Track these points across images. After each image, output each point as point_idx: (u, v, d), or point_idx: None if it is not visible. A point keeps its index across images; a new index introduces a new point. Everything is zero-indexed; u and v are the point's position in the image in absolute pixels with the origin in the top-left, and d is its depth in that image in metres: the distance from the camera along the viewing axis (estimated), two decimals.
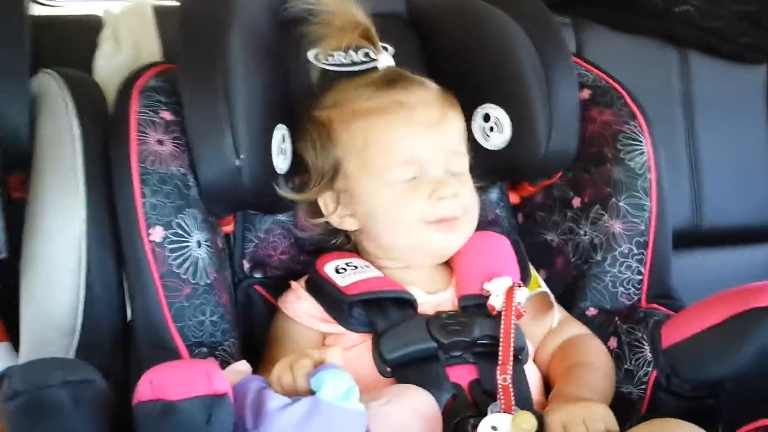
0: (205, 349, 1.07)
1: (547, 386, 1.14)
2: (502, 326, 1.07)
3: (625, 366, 1.16)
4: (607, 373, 1.14)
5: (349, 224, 1.17)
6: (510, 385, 1.02)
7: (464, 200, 1.13)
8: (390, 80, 1.16)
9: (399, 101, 1.13)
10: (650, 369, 1.13)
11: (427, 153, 1.12)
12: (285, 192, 1.15)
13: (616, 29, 1.65)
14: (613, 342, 1.19)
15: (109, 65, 1.40)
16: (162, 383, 0.82)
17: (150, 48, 1.43)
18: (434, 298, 1.13)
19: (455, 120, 1.16)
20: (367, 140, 1.12)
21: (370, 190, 1.13)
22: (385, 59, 1.21)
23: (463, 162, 1.16)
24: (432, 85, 1.18)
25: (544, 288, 1.18)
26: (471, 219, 1.16)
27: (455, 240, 1.15)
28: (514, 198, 1.34)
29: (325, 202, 1.17)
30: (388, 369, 1.06)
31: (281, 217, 1.23)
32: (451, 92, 1.19)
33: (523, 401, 1.04)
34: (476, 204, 1.18)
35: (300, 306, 1.14)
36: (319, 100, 1.18)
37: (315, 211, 1.19)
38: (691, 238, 1.64)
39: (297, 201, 1.17)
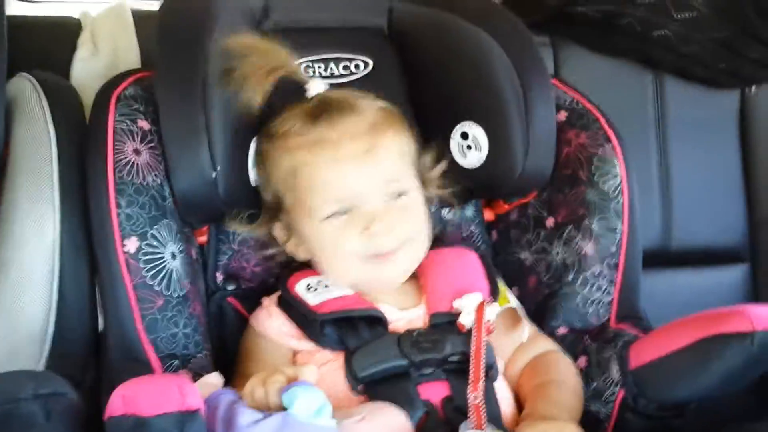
0: (177, 361, 1.07)
1: (518, 400, 1.14)
2: (473, 344, 1.07)
3: (594, 385, 1.16)
4: (576, 390, 1.14)
5: (302, 253, 1.16)
6: (481, 404, 1.02)
7: (403, 230, 1.12)
8: (316, 114, 1.12)
9: (323, 138, 1.10)
10: (617, 388, 1.14)
11: (359, 187, 1.10)
12: (239, 226, 1.15)
13: (595, 50, 1.66)
14: (582, 361, 1.20)
15: (87, 69, 1.39)
16: (134, 398, 0.81)
17: (128, 52, 1.42)
18: (406, 314, 1.13)
19: (390, 144, 1.12)
20: (296, 180, 1.11)
21: (308, 228, 1.12)
22: (314, 87, 1.17)
23: (403, 183, 1.13)
24: (365, 108, 1.14)
25: (514, 302, 1.18)
26: (415, 246, 1.15)
27: (395, 271, 1.14)
28: (488, 215, 1.35)
29: (277, 232, 1.17)
30: (360, 386, 1.06)
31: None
32: (391, 107, 1.17)
33: (494, 419, 1.04)
34: (423, 226, 1.16)
35: (272, 323, 1.14)
36: (266, 129, 1.16)
37: (273, 238, 1.18)
38: (660, 258, 1.66)
39: (251, 233, 1.17)
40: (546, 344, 1.19)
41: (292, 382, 0.92)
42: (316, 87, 1.17)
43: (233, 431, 0.87)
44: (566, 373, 1.16)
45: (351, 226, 1.10)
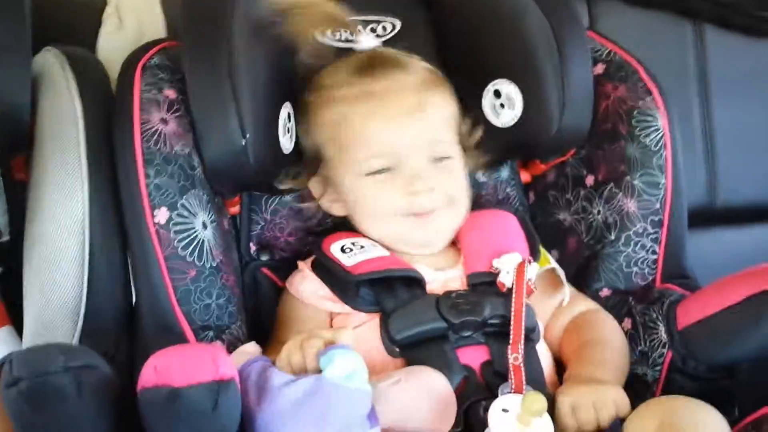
0: (211, 333, 1.06)
1: (558, 364, 1.13)
2: (513, 304, 1.05)
3: (640, 347, 1.14)
4: (620, 348, 1.12)
5: (337, 209, 1.16)
6: (521, 365, 1.01)
7: (444, 191, 1.11)
8: (364, 67, 1.13)
9: (370, 91, 1.10)
10: (665, 350, 1.12)
11: (404, 143, 1.10)
12: (282, 184, 1.15)
13: (631, 3, 1.62)
14: (627, 323, 1.17)
15: (113, 43, 1.38)
16: (167, 369, 0.80)
17: (154, 25, 1.41)
18: (443, 275, 1.12)
19: (438, 104, 1.14)
20: (340, 130, 1.11)
21: (348, 181, 1.12)
22: (364, 41, 1.17)
23: (447, 148, 1.14)
24: (414, 67, 1.15)
25: (554, 264, 1.16)
26: (456, 210, 1.14)
27: (434, 233, 1.13)
28: (525, 176, 1.32)
29: (314, 185, 1.17)
30: (397, 349, 1.05)
31: (287, 198, 1.22)
32: (437, 71, 1.17)
33: (535, 381, 1.02)
34: (464, 192, 1.16)
35: (307, 286, 1.13)
36: (312, 80, 1.16)
37: (310, 194, 1.18)
38: (705, 217, 1.62)
39: (293, 188, 1.17)
40: (587, 303, 1.18)
41: (329, 345, 0.91)
42: (366, 42, 1.17)
43: (265, 394, 0.86)
44: (609, 331, 1.14)
45: (393, 184, 1.10)
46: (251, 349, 0.99)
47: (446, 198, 1.12)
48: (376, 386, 0.91)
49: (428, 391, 0.95)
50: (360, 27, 1.20)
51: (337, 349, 0.89)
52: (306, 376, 0.88)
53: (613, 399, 0.98)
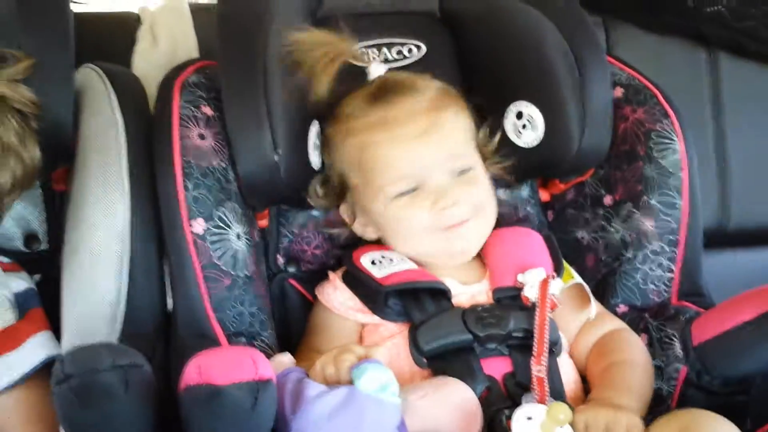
0: (244, 339, 1.09)
1: (584, 379, 1.14)
2: (536, 317, 1.08)
3: (655, 362, 1.16)
4: (646, 369, 1.14)
5: (370, 233, 1.19)
6: (544, 377, 1.03)
7: (470, 202, 1.13)
8: (376, 95, 1.15)
9: (384, 118, 1.13)
10: (680, 365, 1.14)
11: (424, 164, 1.12)
12: (314, 201, 1.18)
13: (647, 29, 1.64)
14: (643, 339, 1.19)
15: (147, 61, 1.41)
16: (209, 368, 0.83)
17: (187, 44, 1.44)
18: (469, 289, 1.15)
19: (451, 120, 1.15)
20: (361, 160, 1.13)
21: (376, 207, 1.14)
22: (374, 70, 1.20)
23: (467, 159, 1.16)
24: (424, 89, 1.16)
25: (579, 280, 1.18)
26: (485, 217, 1.17)
27: (468, 242, 1.16)
28: (544, 195, 1.35)
29: (344, 212, 1.20)
30: (425, 360, 1.07)
31: (315, 212, 1.25)
32: (449, 87, 1.20)
33: (556, 394, 1.05)
34: (490, 199, 1.18)
35: (337, 296, 1.16)
36: (332, 111, 1.19)
37: (341, 219, 1.21)
38: (718, 239, 1.63)
39: (322, 208, 1.20)
40: (613, 323, 1.19)
41: (362, 360, 0.94)
42: (376, 70, 1.20)
43: (301, 404, 0.89)
44: (635, 351, 1.15)
45: (419, 203, 1.12)
46: (286, 359, 1.02)
47: (473, 208, 1.14)
48: (405, 398, 0.93)
49: (455, 402, 0.98)
50: (378, 53, 1.23)
51: (369, 362, 0.92)
52: (338, 386, 0.91)
53: (626, 424, 0.99)
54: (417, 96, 1.15)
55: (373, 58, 1.25)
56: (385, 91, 1.16)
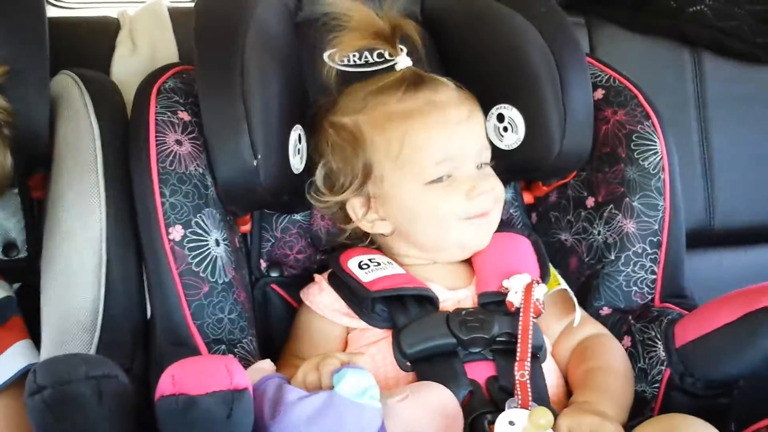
0: (223, 347, 1.08)
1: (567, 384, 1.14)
2: (520, 323, 1.07)
3: (639, 365, 1.16)
4: (625, 375, 1.14)
5: (381, 227, 1.17)
6: (527, 381, 1.03)
7: (494, 194, 1.15)
8: (416, 81, 1.16)
9: (432, 101, 1.14)
10: (663, 368, 1.14)
11: (461, 150, 1.13)
12: (315, 201, 1.17)
13: (630, 29, 1.64)
14: (626, 341, 1.19)
15: (126, 66, 1.41)
16: (184, 378, 0.83)
17: (166, 49, 1.44)
18: (455, 294, 1.14)
19: (479, 115, 1.18)
20: (403, 142, 1.12)
21: (409, 192, 1.13)
22: (403, 60, 1.21)
23: (489, 154, 1.18)
24: (450, 83, 1.19)
25: (564, 285, 1.18)
26: (499, 209, 1.18)
27: (487, 233, 1.17)
28: (527, 198, 1.35)
29: (354, 207, 1.17)
30: (408, 363, 1.07)
31: (297, 216, 1.25)
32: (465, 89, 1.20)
33: (540, 399, 1.04)
34: (503, 193, 1.20)
35: (322, 299, 1.15)
36: (337, 103, 1.18)
37: (342, 216, 1.19)
38: (703, 239, 1.64)
39: (324, 208, 1.19)
40: (594, 327, 1.19)
41: (344, 365, 0.93)
42: (404, 61, 1.20)
43: (279, 408, 0.88)
44: (615, 357, 1.15)
45: (455, 189, 1.13)
46: (266, 366, 1.01)
47: (497, 199, 1.16)
48: (385, 402, 0.93)
49: (435, 405, 0.97)
50: (345, 59, 1.23)
51: (350, 367, 0.91)
52: (318, 392, 0.91)
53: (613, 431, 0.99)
54: (450, 89, 1.17)
55: (350, 62, 1.25)
56: (421, 80, 1.16)
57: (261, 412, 0.90)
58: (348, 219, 1.18)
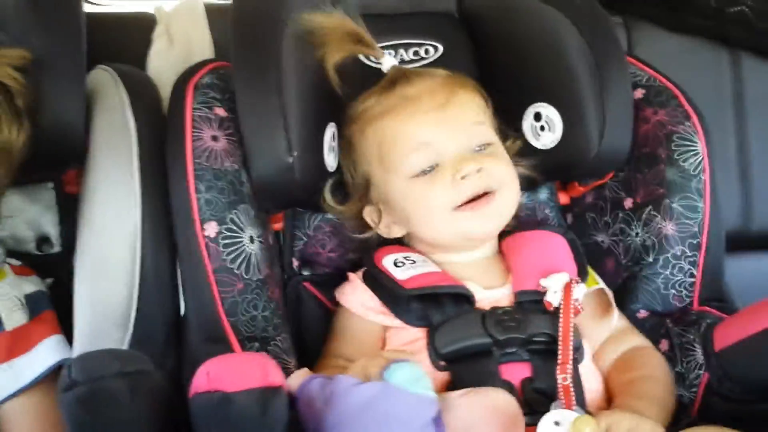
0: (257, 344, 1.07)
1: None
2: (560, 324, 1.06)
3: (676, 369, 1.15)
4: (668, 385, 1.12)
5: (396, 231, 1.17)
6: (570, 384, 1.02)
7: (494, 173, 1.11)
8: (393, 80, 1.15)
9: (404, 96, 1.13)
10: (702, 372, 1.12)
11: (441, 134, 1.11)
12: (331, 208, 1.17)
13: (668, 29, 1.63)
14: (664, 344, 1.18)
15: (162, 62, 1.41)
16: (219, 375, 0.82)
17: (202, 45, 1.44)
18: (491, 293, 1.13)
19: (466, 96, 1.15)
20: (380, 141, 1.13)
21: (396, 190, 1.13)
22: (388, 62, 1.19)
23: (486, 133, 1.14)
24: (439, 73, 1.17)
25: (602, 285, 1.16)
26: (509, 192, 1.14)
27: (492, 220, 1.13)
28: (563, 198, 1.33)
29: (370, 215, 1.18)
30: (442, 363, 1.06)
31: (330, 215, 1.24)
32: (463, 74, 1.19)
33: (578, 401, 1.03)
34: (512, 175, 1.15)
35: (357, 297, 1.15)
36: (347, 112, 1.18)
37: (362, 224, 1.20)
38: (741, 242, 1.61)
39: (342, 218, 1.20)
40: (638, 339, 1.17)
41: (391, 361, 0.92)
42: (389, 62, 1.19)
43: (332, 397, 0.86)
44: (658, 368, 1.14)
45: (440, 177, 1.10)
46: (303, 374, 0.98)
47: (496, 180, 1.11)
48: (445, 396, 0.93)
49: (497, 404, 0.96)
50: (394, 54, 1.23)
51: (399, 361, 0.90)
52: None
53: (650, 431, 0.98)
54: (432, 77, 1.15)
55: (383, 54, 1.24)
56: (400, 76, 1.16)
57: (311, 409, 0.89)
58: (368, 226, 1.19)
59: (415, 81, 1.14)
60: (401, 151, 1.11)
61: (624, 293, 1.23)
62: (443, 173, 1.10)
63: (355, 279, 1.16)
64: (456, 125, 1.12)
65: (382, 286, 1.12)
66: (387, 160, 1.13)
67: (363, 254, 1.20)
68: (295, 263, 1.24)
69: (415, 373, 0.88)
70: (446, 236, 1.13)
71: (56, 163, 1.13)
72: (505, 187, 1.13)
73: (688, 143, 1.22)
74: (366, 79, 1.20)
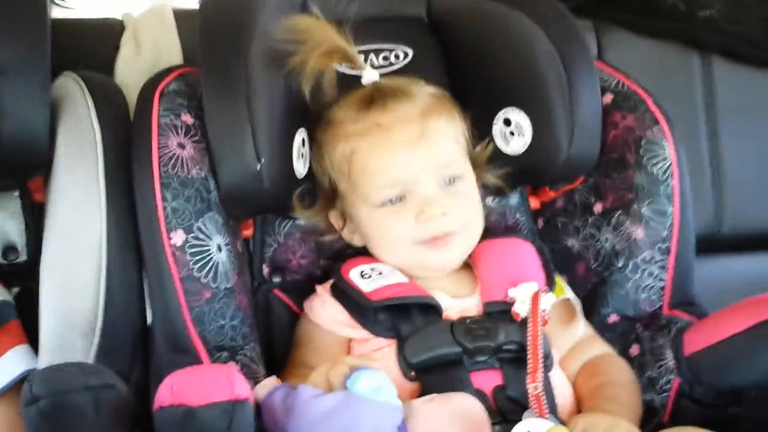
0: (225, 354, 1.07)
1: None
2: (529, 333, 1.06)
3: (648, 373, 1.15)
4: (634, 390, 1.13)
5: (357, 240, 1.18)
6: (541, 393, 1.02)
7: (458, 216, 1.12)
8: (369, 100, 1.13)
9: (377, 123, 1.11)
10: (673, 376, 1.12)
11: (412, 172, 1.10)
12: (299, 213, 1.16)
13: (638, 33, 1.63)
14: (635, 349, 1.18)
15: (130, 68, 1.40)
16: (183, 388, 0.82)
17: (171, 51, 1.43)
18: (459, 303, 1.13)
19: (443, 128, 1.14)
20: (351, 165, 1.12)
21: (361, 213, 1.13)
22: (368, 75, 1.18)
23: (457, 168, 1.14)
24: (418, 95, 1.15)
25: (570, 294, 1.17)
26: (471, 232, 1.15)
27: (452, 256, 1.14)
28: (534, 203, 1.33)
29: (335, 219, 1.18)
30: (413, 373, 1.06)
31: (300, 221, 1.23)
32: (444, 93, 1.18)
33: (550, 409, 1.03)
34: (478, 214, 1.16)
35: (326, 311, 1.14)
36: (322, 115, 1.17)
37: (330, 227, 1.20)
38: (712, 244, 1.62)
39: (308, 219, 1.18)
40: (603, 347, 1.18)
41: (354, 368, 0.92)
42: (369, 75, 1.17)
43: (294, 407, 0.86)
44: (623, 374, 1.14)
45: (405, 212, 1.10)
46: (271, 383, 0.99)
47: (460, 222, 1.12)
48: (410, 403, 0.92)
49: (462, 411, 0.95)
50: (364, 60, 1.21)
51: (362, 369, 0.90)
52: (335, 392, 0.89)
53: (627, 429, 0.98)
54: (410, 102, 1.13)
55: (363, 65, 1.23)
56: (378, 96, 1.14)
57: (273, 419, 0.88)
58: (335, 229, 1.19)
59: (391, 107, 1.12)
60: (369, 183, 1.11)
61: (594, 298, 1.23)
62: (409, 209, 1.10)
63: (324, 293, 1.16)
64: (427, 161, 1.11)
65: (349, 298, 1.12)
66: (355, 184, 1.13)
67: (331, 266, 1.19)
68: (266, 270, 1.23)
69: (378, 380, 0.88)
70: (406, 265, 1.14)
71: (20, 170, 1.11)
72: (468, 227, 1.14)
73: (657, 148, 1.22)
74: (341, 83, 1.18)
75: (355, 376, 0.89)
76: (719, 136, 1.65)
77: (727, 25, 1.58)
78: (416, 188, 1.11)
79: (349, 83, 1.18)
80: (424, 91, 1.16)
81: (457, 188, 1.13)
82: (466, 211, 1.14)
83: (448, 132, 1.15)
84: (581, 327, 1.14)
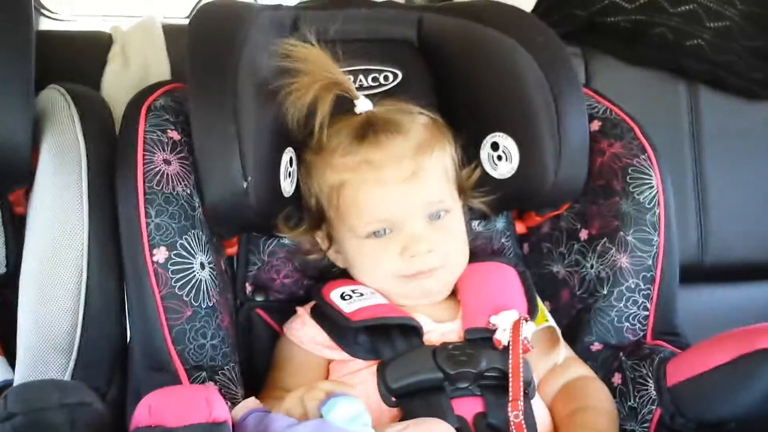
0: (204, 373, 1.05)
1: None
2: (510, 361, 1.06)
3: (629, 403, 1.15)
4: (611, 416, 1.12)
5: (341, 262, 1.18)
6: (522, 422, 1.01)
7: (443, 252, 1.12)
8: (362, 134, 1.12)
9: (369, 160, 1.11)
10: (654, 407, 1.12)
11: (400, 210, 1.10)
12: (285, 232, 1.16)
13: (626, 61, 1.64)
14: (617, 378, 1.18)
15: (118, 82, 1.40)
16: (161, 409, 0.81)
17: (159, 66, 1.43)
18: (441, 327, 1.12)
19: (435, 165, 1.13)
20: (339, 196, 1.12)
21: (347, 241, 1.13)
22: (362, 104, 1.17)
23: (445, 205, 1.14)
24: (412, 127, 1.14)
25: (551, 323, 1.16)
26: (454, 266, 1.15)
27: (434, 287, 1.14)
28: (520, 228, 1.33)
29: (321, 238, 1.18)
30: (393, 398, 1.05)
31: (285, 240, 1.22)
32: (436, 120, 1.18)
33: None
34: (462, 247, 1.17)
35: (305, 332, 1.13)
36: (314, 139, 1.16)
37: (315, 246, 1.19)
38: (695, 274, 1.62)
39: (295, 239, 1.18)
40: (581, 369, 1.18)
41: (330, 395, 0.91)
42: (363, 105, 1.16)
43: None
44: (601, 398, 1.14)
45: (391, 246, 1.11)
46: (251, 404, 0.97)
47: (444, 258, 1.13)
48: (385, 431, 0.91)
49: None
50: (353, 80, 1.21)
51: (337, 396, 0.89)
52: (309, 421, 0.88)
53: None
54: (402, 138, 1.12)
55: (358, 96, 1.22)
56: (370, 129, 1.13)
57: None
58: (319, 247, 1.18)
59: (384, 143, 1.11)
60: (357, 217, 1.11)
61: (578, 325, 1.23)
62: (394, 244, 1.11)
63: (304, 314, 1.15)
64: (417, 200, 1.11)
65: (329, 319, 1.11)
66: (342, 215, 1.12)
67: (312, 287, 1.19)
68: (249, 288, 1.22)
69: (353, 409, 0.87)
70: (388, 292, 1.14)
71: (0, 182, 1.10)
72: (452, 263, 1.15)
73: (644, 176, 1.23)
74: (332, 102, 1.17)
75: (332, 403, 0.88)
76: (704, 165, 1.66)
77: (715, 54, 1.60)
78: (403, 224, 1.11)
79: (340, 103, 1.17)
80: (418, 124, 1.16)
81: (443, 223, 1.13)
82: (452, 246, 1.14)
83: (439, 167, 1.15)
84: (562, 355, 1.14)
